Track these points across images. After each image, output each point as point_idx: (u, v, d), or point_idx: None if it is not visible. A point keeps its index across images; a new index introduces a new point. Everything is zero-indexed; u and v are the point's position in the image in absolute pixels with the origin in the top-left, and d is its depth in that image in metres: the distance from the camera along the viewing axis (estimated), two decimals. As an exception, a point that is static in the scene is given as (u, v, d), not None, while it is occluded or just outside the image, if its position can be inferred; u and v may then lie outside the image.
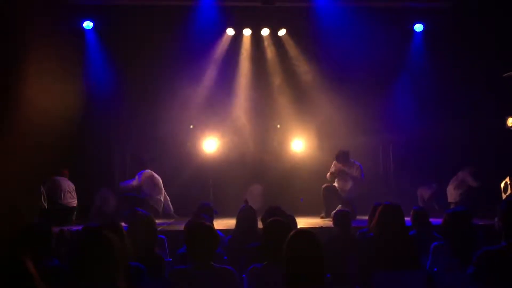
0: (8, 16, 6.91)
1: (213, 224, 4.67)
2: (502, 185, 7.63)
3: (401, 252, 3.36)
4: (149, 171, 8.37)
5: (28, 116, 7.34)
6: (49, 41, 7.63)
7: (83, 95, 8.62)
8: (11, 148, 6.88)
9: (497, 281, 2.71)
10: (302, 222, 7.20)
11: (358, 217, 7.43)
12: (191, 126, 9.65)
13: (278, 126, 9.93)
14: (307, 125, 9.45)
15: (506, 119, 7.98)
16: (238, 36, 9.49)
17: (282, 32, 9.46)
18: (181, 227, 5.61)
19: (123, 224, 3.68)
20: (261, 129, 9.70)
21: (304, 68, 9.59)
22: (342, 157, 8.17)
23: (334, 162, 8.28)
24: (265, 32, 9.45)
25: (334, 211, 5.73)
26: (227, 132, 9.44)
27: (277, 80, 9.64)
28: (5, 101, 6.96)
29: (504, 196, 7.47)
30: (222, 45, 9.42)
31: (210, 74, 9.36)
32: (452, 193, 8.50)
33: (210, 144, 9.30)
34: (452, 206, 8.14)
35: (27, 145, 7.14)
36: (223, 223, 6.91)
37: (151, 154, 8.91)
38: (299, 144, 9.45)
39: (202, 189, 8.90)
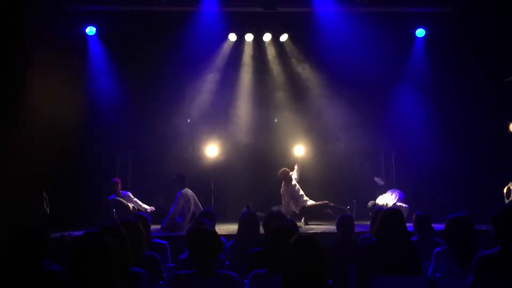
0: (12, 23, 6.96)
1: (215, 229, 4.66)
2: (505, 190, 7.61)
3: (402, 257, 3.35)
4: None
5: (32, 121, 7.37)
6: (52, 47, 7.67)
7: (85, 101, 8.65)
8: (15, 153, 6.91)
9: (495, 285, 2.70)
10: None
11: (360, 223, 7.40)
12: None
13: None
14: (308, 129, 9.44)
15: (508, 124, 7.98)
16: (241, 41, 9.52)
17: (284, 37, 9.48)
18: (183, 232, 5.62)
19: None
20: (263, 134, 9.68)
21: (306, 73, 9.60)
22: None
23: None
24: (267, 37, 9.48)
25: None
26: (228, 138, 9.44)
27: (278, 84, 9.65)
28: (9, 107, 6.99)
29: (506, 201, 7.46)
30: (225, 51, 9.45)
31: (212, 79, 9.39)
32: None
33: (212, 150, 9.30)
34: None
35: (30, 150, 7.16)
36: (224, 229, 6.91)
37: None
38: (301, 149, 9.45)
39: (204, 195, 8.89)
